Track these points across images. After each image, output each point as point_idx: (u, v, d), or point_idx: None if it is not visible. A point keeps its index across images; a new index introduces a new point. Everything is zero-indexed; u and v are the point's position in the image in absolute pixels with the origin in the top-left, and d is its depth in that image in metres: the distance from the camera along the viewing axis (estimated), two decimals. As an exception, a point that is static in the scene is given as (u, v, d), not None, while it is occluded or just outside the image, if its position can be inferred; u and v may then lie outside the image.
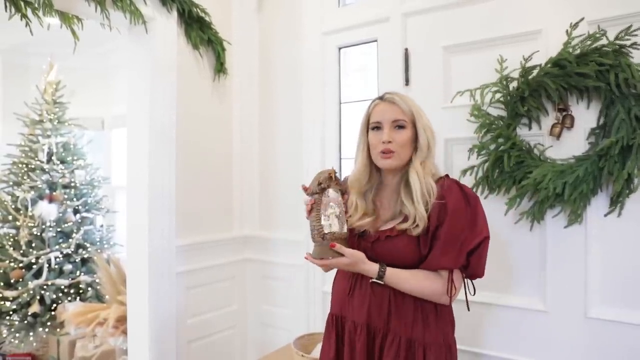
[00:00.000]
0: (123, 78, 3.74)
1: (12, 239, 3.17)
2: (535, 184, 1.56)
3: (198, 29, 2.26)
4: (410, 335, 1.19)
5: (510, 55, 1.67)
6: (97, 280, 3.17)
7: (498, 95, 1.68)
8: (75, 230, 3.34)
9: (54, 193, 3.28)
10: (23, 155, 3.34)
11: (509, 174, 1.64)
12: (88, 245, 3.37)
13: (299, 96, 2.32)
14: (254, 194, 2.53)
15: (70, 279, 3.21)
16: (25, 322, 3.04)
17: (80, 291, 3.27)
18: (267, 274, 2.46)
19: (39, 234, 3.18)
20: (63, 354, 3.03)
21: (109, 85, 4.07)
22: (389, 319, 1.20)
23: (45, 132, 3.37)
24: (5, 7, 1.58)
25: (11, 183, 3.29)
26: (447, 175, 1.26)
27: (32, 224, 3.17)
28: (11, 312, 3.04)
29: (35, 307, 3.01)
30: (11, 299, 3.03)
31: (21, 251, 3.13)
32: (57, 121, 3.43)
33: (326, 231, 1.18)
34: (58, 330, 3.06)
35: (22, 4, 1.59)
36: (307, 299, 2.26)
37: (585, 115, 1.57)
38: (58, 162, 3.37)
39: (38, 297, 3.05)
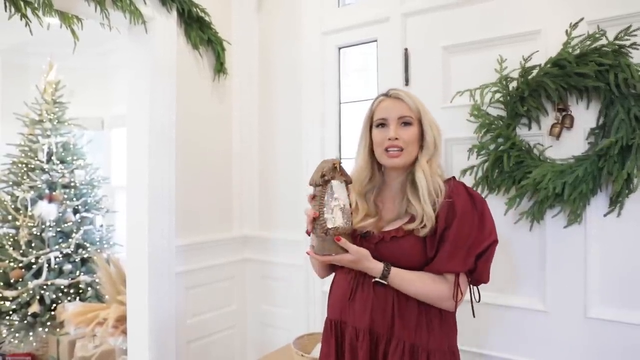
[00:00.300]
0: (123, 78, 3.75)
1: (11, 239, 3.17)
2: (535, 184, 1.56)
3: (198, 29, 2.26)
4: (414, 340, 1.14)
5: (510, 55, 1.67)
6: (96, 280, 3.17)
7: (498, 95, 1.68)
8: (75, 230, 3.34)
9: (54, 193, 3.29)
10: (23, 155, 3.34)
11: (508, 174, 1.64)
12: (88, 245, 3.37)
13: (298, 96, 2.32)
14: (253, 194, 2.53)
15: (70, 278, 3.21)
16: (25, 322, 3.04)
17: (80, 291, 3.27)
18: (266, 273, 2.46)
19: (38, 233, 3.18)
20: (63, 354, 3.03)
21: (109, 85, 4.07)
22: (393, 323, 1.15)
23: (45, 132, 3.37)
24: (5, 6, 1.58)
25: (11, 183, 3.29)
26: (453, 177, 1.23)
27: (32, 224, 3.17)
28: (11, 312, 3.04)
29: (35, 307, 3.01)
30: (11, 298, 3.03)
31: (21, 251, 3.13)
32: (56, 121, 3.44)
33: (330, 225, 1.11)
34: (58, 330, 3.06)
35: (21, 3, 1.59)
36: (306, 299, 2.26)
37: (585, 115, 1.57)
38: (58, 162, 3.37)
39: (38, 297, 3.05)
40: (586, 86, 1.52)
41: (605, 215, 1.54)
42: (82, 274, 3.28)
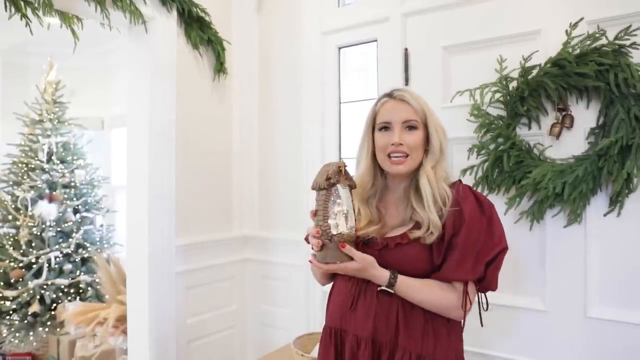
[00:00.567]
0: (123, 78, 3.74)
1: (12, 239, 3.17)
2: (535, 183, 1.56)
3: (198, 29, 2.26)
4: (420, 351, 1.07)
5: (510, 55, 1.67)
6: (97, 280, 3.17)
7: (497, 95, 1.68)
8: (75, 230, 3.34)
9: (54, 193, 3.29)
10: (23, 154, 3.34)
11: (508, 174, 1.64)
12: (88, 244, 3.37)
13: (298, 96, 2.32)
14: (253, 194, 2.53)
15: (70, 278, 3.21)
16: (25, 321, 3.04)
17: (80, 291, 3.27)
18: (266, 273, 2.46)
19: (38, 233, 3.18)
20: (63, 354, 3.03)
21: (109, 85, 4.07)
22: (397, 332, 1.08)
23: (45, 132, 3.37)
24: (5, 6, 1.58)
25: (11, 183, 3.29)
26: (460, 181, 1.18)
27: (32, 224, 3.17)
28: (11, 312, 3.04)
29: (35, 307, 3.01)
30: (11, 298, 3.03)
31: (21, 251, 3.13)
32: (57, 121, 3.43)
33: (334, 232, 1.05)
34: (58, 329, 3.06)
35: (22, 3, 1.59)
36: (306, 299, 2.26)
37: (585, 115, 1.57)
38: (58, 162, 3.37)
39: (38, 297, 3.05)
40: (586, 86, 1.52)
41: (605, 215, 1.54)
42: (82, 273, 3.28)
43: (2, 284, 3.08)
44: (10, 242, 3.15)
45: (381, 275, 1.08)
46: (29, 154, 3.34)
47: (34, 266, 3.12)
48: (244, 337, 2.54)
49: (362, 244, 1.14)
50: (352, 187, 1.11)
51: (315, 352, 1.67)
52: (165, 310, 2.11)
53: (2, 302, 3.03)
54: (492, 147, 1.67)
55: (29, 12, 1.62)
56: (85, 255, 3.33)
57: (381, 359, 1.09)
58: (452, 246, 1.07)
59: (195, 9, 2.21)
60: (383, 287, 1.08)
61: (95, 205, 3.54)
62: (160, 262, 2.09)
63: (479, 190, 1.71)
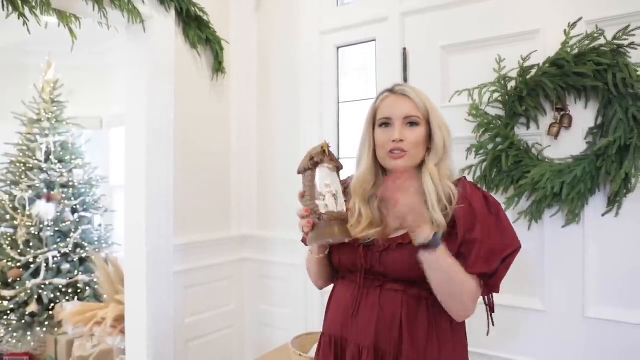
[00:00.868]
0: (121, 77, 3.73)
1: (9, 238, 3.16)
2: (533, 183, 1.57)
3: (196, 28, 2.26)
4: (425, 359, 1.02)
5: (509, 55, 1.67)
6: (95, 280, 3.16)
7: (496, 95, 1.68)
8: (73, 230, 3.33)
9: (52, 192, 3.28)
10: (21, 154, 3.33)
11: (507, 174, 1.64)
12: (86, 244, 3.36)
13: (297, 95, 2.32)
14: (251, 193, 2.52)
15: (68, 278, 3.20)
16: (23, 321, 3.03)
17: (78, 290, 3.26)
18: (265, 273, 2.46)
19: (36, 233, 3.17)
20: (61, 354, 3.03)
21: (107, 84, 4.06)
22: (401, 340, 1.02)
23: (43, 131, 3.37)
24: (3, 5, 1.57)
25: (9, 182, 3.28)
26: (464, 177, 1.13)
27: (30, 223, 3.16)
28: (9, 312, 3.03)
29: (33, 307, 3.00)
30: (9, 298, 3.03)
31: (19, 250, 3.12)
32: (55, 120, 3.43)
33: (323, 211, 1.01)
34: (56, 329, 3.05)
35: (19, 2, 1.59)
36: (305, 299, 2.26)
37: (583, 115, 1.57)
38: (56, 161, 3.36)
39: (36, 297, 3.04)
40: (584, 86, 1.52)
41: (603, 215, 1.54)
42: (80, 273, 3.27)
43: (0, 283, 3.07)
44: (8, 242, 3.15)
45: (429, 231, 0.95)
46: (27, 153, 3.33)
47: (32, 266, 3.11)
48: (242, 337, 2.54)
49: (363, 246, 1.08)
50: (338, 168, 1.09)
51: (313, 352, 1.67)
52: (163, 310, 2.11)
53: (0, 301, 3.02)
54: (490, 147, 1.67)
55: (26, 11, 1.62)
56: (84, 255, 3.32)
57: None
58: (470, 241, 1.00)
59: (193, 8, 2.21)
60: (426, 242, 0.94)
61: (94, 204, 3.54)
62: (158, 262, 2.09)
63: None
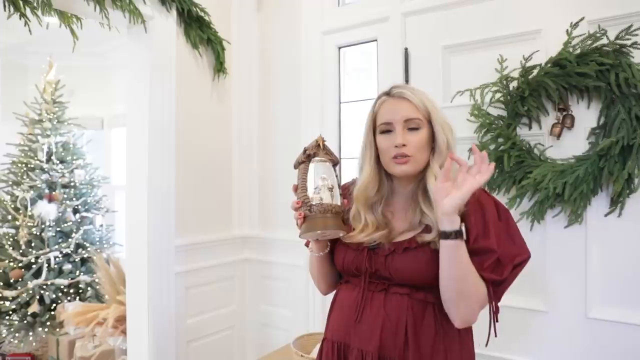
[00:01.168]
0: (122, 77, 3.74)
1: (11, 239, 3.17)
2: (536, 184, 1.56)
3: (197, 29, 2.26)
4: None
5: (510, 55, 1.67)
6: (96, 280, 3.17)
7: (498, 95, 1.68)
8: (74, 230, 3.33)
9: (54, 193, 3.28)
10: (22, 154, 3.34)
11: (509, 174, 1.64)
12: (87, 245, 3.36)
13: (298, 96, 2.32)
14: (253, 194, 2.52)
15: (69, 278, 3.20)
16: (25, 321, 3.04)
17: (80, 291, 3.26)
18: (266, 274, 2.46)
19: (38, 233, 3.17)
20: (62, 354, 3.03)
21: (109, 85, 4.07)
22: (406, 346, 0.99)
23: (45, 132, 3.37)
24: (4, 6, 1.57)
25: (10, 182, 3.29)
26: None
27: (32, 224, 3.16)
28: (11, 312, 3.04)
29: (34, 307, 3.01)
30: (11, 298, 3.03)
31: (20, 251, 3.13)
32: (56, 120, 3.43)
33: (315, 202, 0.99)
34: (57, 330, 3.06)
35: (21, 3, 1.59)
36: (306, 299, 2.26)
37: (586, 115, 1.57)
38: (57, 162, 3.36)
39: (37, 297, 3.05)
40: (587, 86, 1.52)
41: (606, 216, 1.54)
42: (81, 273, 3.27)
43: (1, 284, 3.07)
44: (9, 242, 3.15)
45: (456, 216, 0.92)
46: (29, 153, 3.33)
47: (34, 266, 3.12)
48: (244, 338, 2.54)
49: (368, 250, 1.06)
50: (334, 161, 1.07)
51: (315, 353, 1.66)
52: (164, 311, 2.11)
53: (2, 302, 3.02)
54: (492, 147, 1.67)
55: (27, 12, 1.61)
56: (85, 256, 3.33)
57: None
58: (482, 248, 0.97)
59: (194, 9, 2.21)
60: (452, 230, 0.92)
61: (95, 205, 3.54)
62: (159, 262, 2.09)
63: (480, 190, 1.71)
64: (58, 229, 3.26)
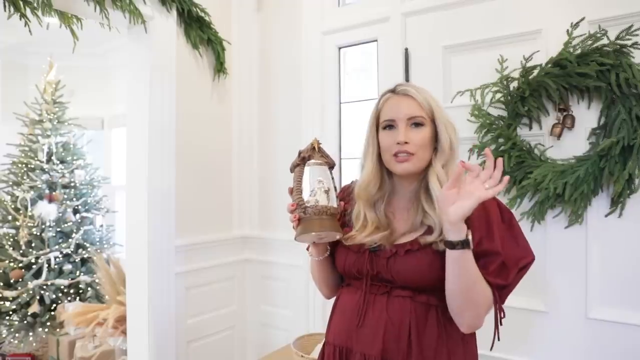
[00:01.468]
0: (123, 78, 3.74)
1: (11, 239, 3.17)
2: (536, 184, 1.56)
3: (198, 29, 2.26)
4: None
5: (511, 55, 1.67)
6: (96, 281, 3.16)
7: (498, 95, 1.67)
8: (74, 230, 3.33)
9: (54, 193, 3.28)
10: (23, 155, 3.34)
11: (509, 174, 1.64)
12: (88, 245, 3.36)
13: (298, 96, 2.32)
14: (253, 194, 2.52)
15: (69, 279, 3.20)
16: (25, 322, 3.04)
17: (80, 291, 3.26)
18: (266, 274, 2.46)
19: (38, 233, 3.17)
20: (63, 354, 3.03)
21: (109, 85, 4.07)
22: (409, 350, 0.97)
23: (45, 132, 3.37)
24: (4, 6, 1.57)
25: (11, 183, 3.29)
26: None
27: (32, 224, 3.16)
28: (11, 312, 3.04)
29: (34, 307, 3.01)
30: (11, 299, 3.03)
31: (21, 251, 3.12)
32: (56, 121, 3.43)
33: (310, 204, 0.99)
34: (58, 330, 3.05)
35: (21, 3, 1.59)
36: (306, 300, 2.26)
37: (586, 115, 1.56)
38: (58, 162, 3.36)
39: (38, 297, 3.05)
40: (587, 86, 1.52)
41: (606, 216, 1.54)
42: (82, 274, 3.27)
43: (1, 284, 3.07)
44: (10, 243, 3.15)
45: (463, 225, 0.89)
46: (29, 154, 3.33)
47: (34, 266, 3.12)
48: (244, 338, 2.54)
49: (369, 252, 1.04)
50: (329, 164, 1.07)
51: (315, 353, 1.66)
52: (164, 311, 2.11)
53: (2, 302, 3.02)
54: (492, 147, 1.67)
55: (28, 12, 1.61)
56: (85, 256, 3.33)
57: None
58: (486, 251, 0.95)
59: (195, 9, 2.21)
60: (458, 240, 0.89)
61: (95, 205, 3.54)
62: (160, 263, 2.09)
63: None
64: (58, 229, 3.26)
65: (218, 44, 2.35)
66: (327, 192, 1.01)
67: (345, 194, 1.17)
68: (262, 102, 2.50)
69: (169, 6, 2.10)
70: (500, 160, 0.89)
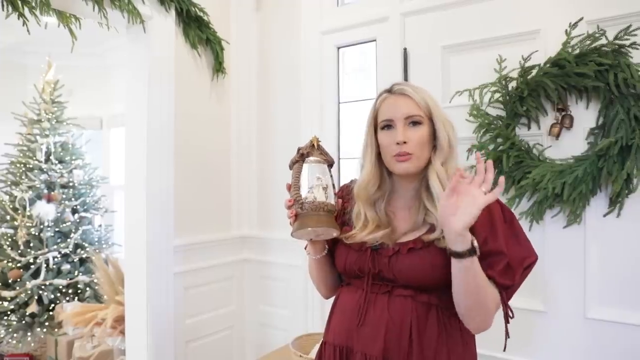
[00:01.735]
0: (121, 77, 3.74)
1: (10, 239, 3.16)
2: (534, 184, 1.56)
3: (196, 28, 2.26)
4: None
5: (509, 55, 1.67)
6: (95, 280, 3.16)
7: (497, 95, 1.68)
8: (73, 230, 3.33)
9: (52, 193, 3.28)
10: (21, 154, 3.33)
11: (507, 174, 1.64)
12: (86, 245, 3.36)
13: (297, 96, 2.32)
14: (252, 194, 2.52)
15: (68, 279, 3.20)
16: (23, 322, 3.03)
17: (79, 291, 3.26)
18: (265, 274, 2.46)
19: (37, 233, 3.17)
20: (61, 354, 3.02)
21: (107, 85, 4.06)
22: (410, 350, 0.97)
23: (44, 132, 3.37)
24: (2, 6, 1.57)
25: (9, 183, 3.29)
26: None
27: (30, 224, 3.16)
28: (9, 312, 3.04)
29: (33, 307, 3.00)
30: (9, 299, 3.03)
31: (19, 251, 3.12)
32: (55, 120, 3.43)
33: (307, 200, 0.99)
34: (56, 330, 3.05)
35: (19, 2, 1.59)
36: (305, 300, 2.25)
37: (585, 115, 1.57)
38: (56, 162, 3.36)
39: (36, 297, 3.04)
40: (586, 86, 1.52)
41: (604, 216, 1.54)
42: (80, 274, 3.27)
43: (0, 284, 3.07)
44: (8, 242, 3.15)
45: (468, 233, 0.88)
46: (27, 153, 3.33)
47: (32, 266, 3.11)
48: (243, 338, 2.53)
49: (371, 250, 1.03)
50: (328, 162, 1.07)
51: (313, 353, 1.66)
52: (163, 311, 2.11)
53: (0, 302, 3.02)
54: (491, 147, 1.67)
55: (26, 12, 1.61)
56: (84, 256, 3.32)
57: None
58: (491, 251, 0.95)
59: (193, 9, 2.20)
60: (465, 249, 0.88)
61: (94, 205, 3.54)
62: (158, 263, 2.09)
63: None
64: (57, 229, 3.26)
65: (217, 44, 2.35)
66: (325, 189, 1.01)
67: (345, 193, 1.16)
68: (261, 101, 2.50)
69: (167, 6, 2.10)
70: (490, 162, 0.90)
